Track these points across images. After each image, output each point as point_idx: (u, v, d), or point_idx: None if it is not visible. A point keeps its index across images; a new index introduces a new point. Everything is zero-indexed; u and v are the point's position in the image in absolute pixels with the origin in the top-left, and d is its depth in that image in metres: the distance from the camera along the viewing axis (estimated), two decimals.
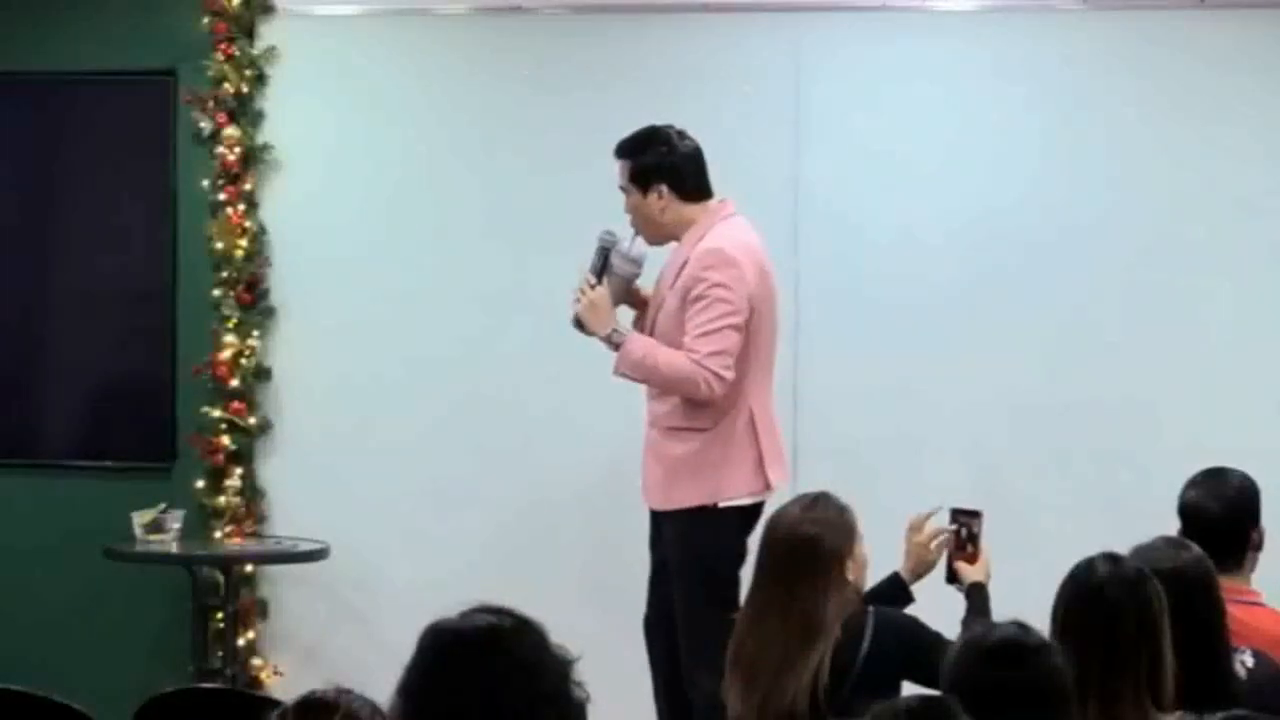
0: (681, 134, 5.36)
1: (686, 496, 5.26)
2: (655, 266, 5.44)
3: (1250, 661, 3.85)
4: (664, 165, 5.30)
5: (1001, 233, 6.30)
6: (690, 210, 5.31)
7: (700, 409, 5.22)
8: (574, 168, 6.45)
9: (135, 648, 6.63)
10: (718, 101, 6.39)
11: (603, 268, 5.33)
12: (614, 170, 5.39)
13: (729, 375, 5.14)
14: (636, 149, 5.33)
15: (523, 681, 2.52)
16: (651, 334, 5.31)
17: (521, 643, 2.56)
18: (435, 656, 2.59)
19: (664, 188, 5.29)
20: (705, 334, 5.14)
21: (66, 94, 6.88)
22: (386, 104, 6.56)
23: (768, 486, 5.27)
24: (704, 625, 4.99)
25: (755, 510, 5.16)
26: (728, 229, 5.28)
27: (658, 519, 5.39)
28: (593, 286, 5.29)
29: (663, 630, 5.34)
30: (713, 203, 5.35)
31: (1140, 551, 3.73)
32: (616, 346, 5.27)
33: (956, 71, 6.35)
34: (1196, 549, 3.87)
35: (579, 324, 5.32)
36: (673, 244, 5.38)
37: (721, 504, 5.24)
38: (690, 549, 5.25)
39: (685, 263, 5.24)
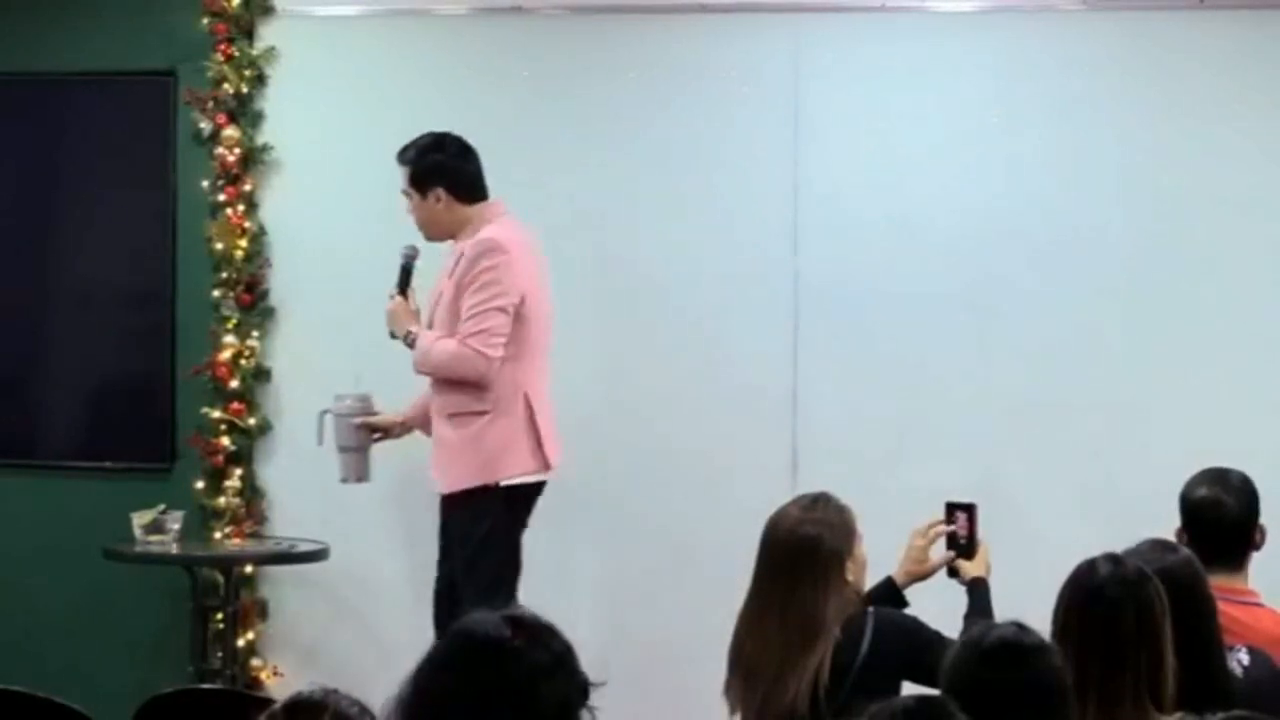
0: (459, 140, 5.76)
1: (468, 477, 5.60)
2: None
3: (1246, 660, 3.85)
4: (442, 169, 5.70)
5: (1001, 232, 6.30)
6: (467, 211, 5.71)
7: (478, 394, 5.57)
8: (574, 168, 6.46)
9: (135, 648, 6.63)
10: (717, 101, 6.40)
11: (404, 281, 5.76)
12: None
13: (494, 353, 5.52)
14: (417, 156, 5.73)
15: (510, 702, 2.48)
16: (430, 327, 5.70)
17: (521, 663, 2.50)
18: (442, 649, 2.56)
19: (441, 190, 5.70)
20: (472, 316, 5.54)
21: (66, 94, 6.88)
22: (386, 104, 6.56)
23: (547, 466, 5.66)
24: (484, 589, 5.44)
25: (537, 488, 5.68)
26: (498, 226, 5.67)
27: (442, 506, 5.72)
28: (392, 297, 5.74)
29: (449, 600, 5.68)
30: (488, 204, 5.74)
31: (1128, 555, 3.72)
32: (412, 345, 5.67)
33: (956, 71, 6.35)
34: (1184, 550, 3.87)
35: (392, 334, 5.75)
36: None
37: (503, 483, 5.60)
38: (474, 526, 5.60)
39: (461, 255, 5.62)
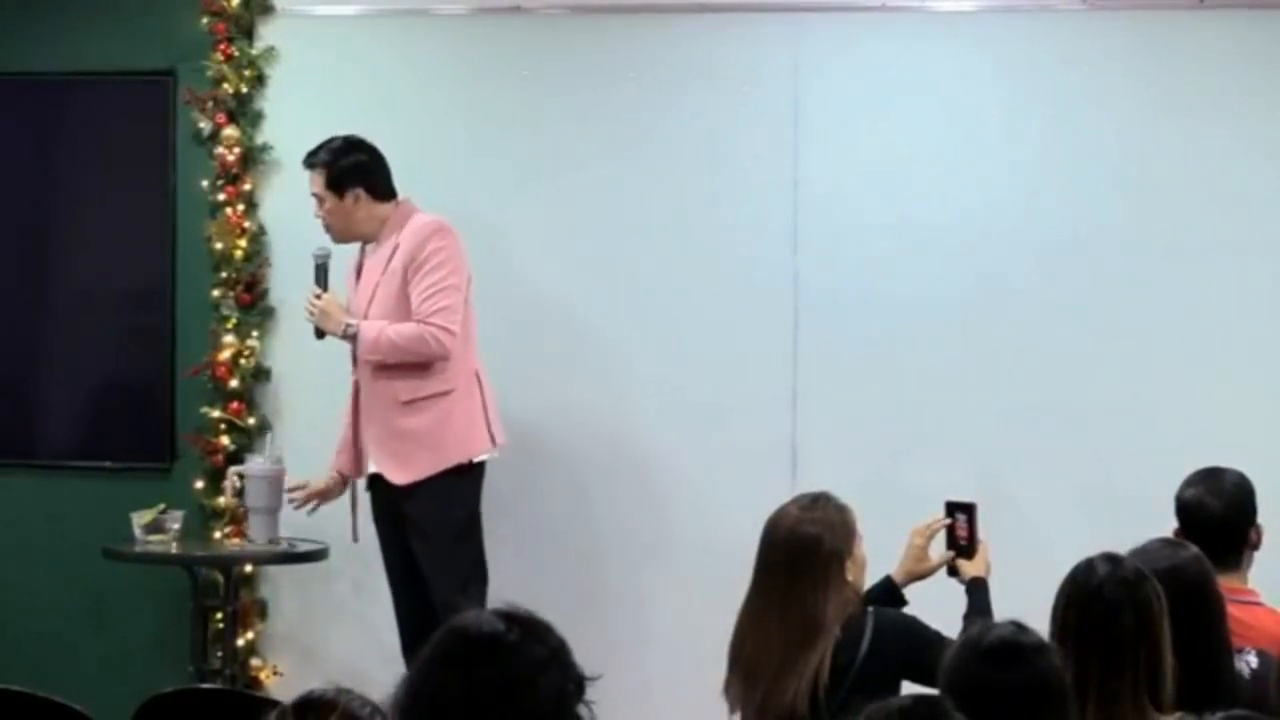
0: (364, 140, 5.85)
1: (440, 460, 5.66)
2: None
3: (1254, 662, 3.86)
4: (363, 169, 5.80)
5: (1001, 232, 6.29)
6: (383, 209, 5.81)
7: (435, 376, 5.66)
8: (573, 168, 6.46)
9: (135, 648, 6.63)
10: (717, 101, 6.40)
11: (323, 280, 5.83)
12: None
13: (455, 329, 5.62)
14: (333, 158, 5.80)
15: (509, 697, 2.49)
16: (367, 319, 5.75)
17: (518, 658, 2.51)
18: (437, 648, 2.57)
19: (360, 190, 5.78)
20: (428, 296, 5.62)
21: (66, 94, 6.88)
22: (386, 104, 6.56)
23: (494, 443, 5.77)
24: (464, 573, 5.56)
25: (484, 466, 5.76)
26: (427, 216, 5.77)
27: (397, 500, 5.70)
28: (319, 296, 5.79)
29: (410, 593, 5.72)
30: (400, 201, 5.84)
31: (1137, 553, 3.73)
32: (353, 338, 5.71)
33: (956, 71, 6.35)
34: (1193, 548, 3.87)
35: (319, 333, 5.82)
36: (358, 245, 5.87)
37: (475, 460, 5.72)
38: (452, 510, 5.67)
39: (395, 248, 5.70)
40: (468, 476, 5.72)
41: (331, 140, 5.85)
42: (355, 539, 5.97)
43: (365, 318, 5.74)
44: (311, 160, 5.83)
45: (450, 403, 5.68)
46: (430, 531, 5.70)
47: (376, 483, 5.81)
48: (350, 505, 5.99)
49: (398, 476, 5.70)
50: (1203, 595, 3.71)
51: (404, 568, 5.79)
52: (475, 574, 5.67)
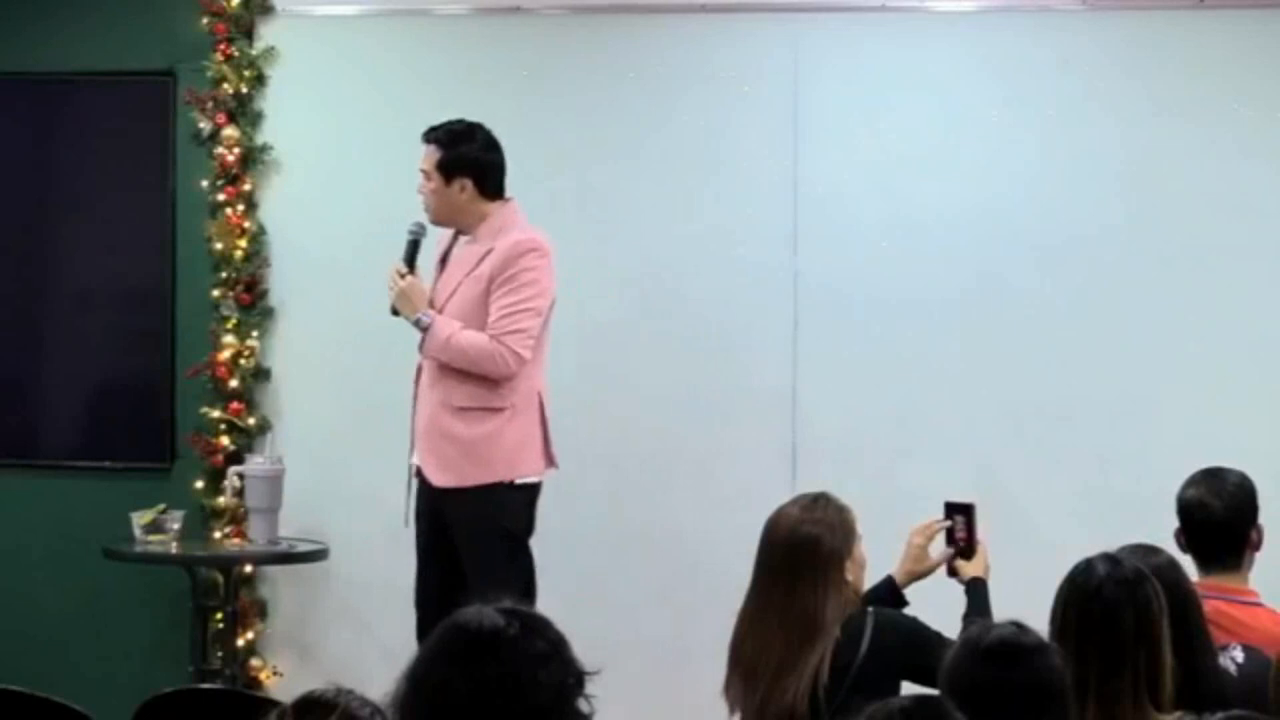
0: (490, 133, 5.65)
1: (483, 474, 5.49)
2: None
3: (1240, 658, 3.86)
4: (475, 162, 5.58)
5: (1000, 232, 6.30)
6: (486, 206, 5.60)
7: (494, 390, 5.49)
8: (573, 168, 6.46)
9: (135, 648, 6.63)
10: (717, 101, 6.40)
11: (412, 257, 5.61)
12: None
13: (526, 354, 5.46)
14: (451, 141, 5.59)
15: (511, 691, 2.49)
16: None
17: (519, 652, 2.52)
18: (438, 644, 2.57)
19: (469, 182, 5.57)
20: (508, 314, 5.46)
21: (66, 94, 6.88)
22: (386, 104, 6.56)
23: (553, 464, 5.62)
24: (506, 588, 5.16)
25: (539, 487, 5.59)
26: (529, 228, 5.60)
27: (436, 497, 5.55)
28: (403, 275, 5.56)
29: (435, 605, 5.46)
30: (505, 202, 5.64)
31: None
32: (425, 329, 5.51)
33: (955, 72, 6.35)
34: (1167, 553, 3.88)
35: (395, 310, 5.58)
36: (451, 232, 5.69)
37: (517, 481, 5.53)
38: (488, 524, 5.49)
39: (488, 252, 5.52)
40: (512, 494, 5.53)
41: (456, 122, 5.63)
42: (407, 523, 5.69)
43: (441, 312, 5.56)
44: (431, 135, 5.61)
45: (502, 420, 5.50)
46: (469, 538, 5.53)
47: (418, 474, 5.65)
48: (405, 488, 5.75)
49: (436, 477, 5.55)
50: (1178, 597, 3.69)
51: (431, 554, 5.61)
52: (527, 595, 5.34)
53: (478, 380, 5.48)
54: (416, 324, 5.53)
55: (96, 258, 6.85)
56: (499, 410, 5.50)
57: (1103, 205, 6.26)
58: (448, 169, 5.56)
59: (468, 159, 5.57)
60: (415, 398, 5.66)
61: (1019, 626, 3.08)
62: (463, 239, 5.66)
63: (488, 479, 5.49)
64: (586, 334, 6.34)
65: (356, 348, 6.52)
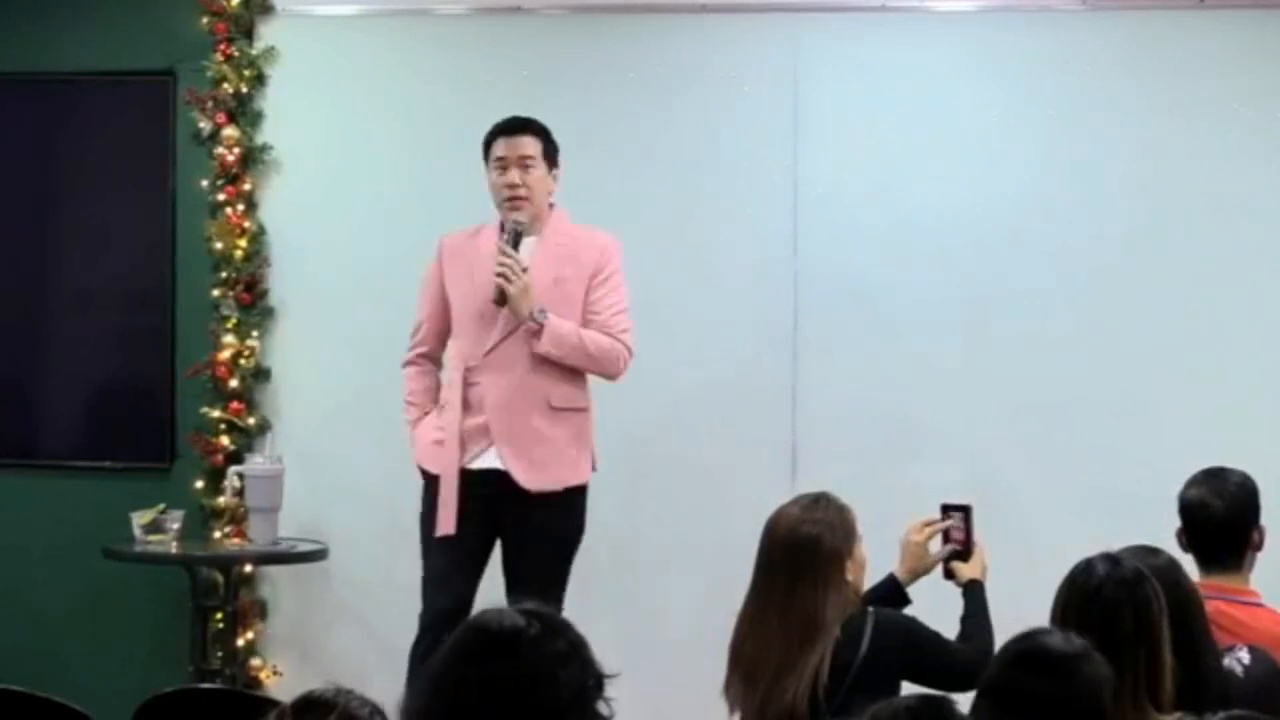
0: None
1: (573, 475, 5.47)
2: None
3: (1246, 659, 3.85)
4: (557, 155, 5.58)
5: (1000, 232, 6.30)
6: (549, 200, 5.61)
7: (583, 389, 5.50)
8: (573, 168, 6.45)
9: (135, 648, 6.64)
10: (717, 101, 6.40)
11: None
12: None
13: (632, 355, 5.49)
14: (547, 134, 5.58)
15: (528, 691, 2.50)
16: None
17: (539, 652, 2.52)
18: (457, 644, 2.57)
19: (558, 173, 5.58)
20: (618, 313, 5.48)
21: (66, 94, 6.88)
22: (386, 104, 6.57)
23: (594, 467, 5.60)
24: (560, 593, 5.28)
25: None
26: (597, 229, 5.60)
27: (509, 501, 5.37)
28: (525, 270, 5.39)
29: (463, 615, 5.26)
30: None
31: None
32: (539, 325, 5.37)
33: (955, 71, 6.35)
34: (1167, 554, 3.87)
35: (501, 300, 5.38)
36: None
37: (585, 482, 5.54)
38: (567, 525, 5.46)
39: (564, 251, 5.47)
40: (582, 496, 5.52)
41: (533, 119, 5.58)
42: (452, 531, 5.44)
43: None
44: (529, 124, 5.53)
45: (585, 420, 5.53)
46: (542, 541, 5.41)
47: (482, 477, 5.41)
48: (450, 492, 5.50)
49: (530, 480, 5.40)
50: (1178, 597, 3.69)
51: (471, 560, 5.43)
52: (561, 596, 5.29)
53: (573, 379, 5.47)
54: (531, 318, 5.36)
55: (97, 257, 6.85)
56: (584, 410, 5.53)
57: (1103, 205, 6.26)
58: (551, 156, 5.55)
59: (557, 154, 5.57)
60: (466, 399, 5.45)
61: (1062, 634, 3.04)
62: (529, 240, 5.47)
63: (577, 480, 5.48)
64: None
65: (356, 348, 6.52)
